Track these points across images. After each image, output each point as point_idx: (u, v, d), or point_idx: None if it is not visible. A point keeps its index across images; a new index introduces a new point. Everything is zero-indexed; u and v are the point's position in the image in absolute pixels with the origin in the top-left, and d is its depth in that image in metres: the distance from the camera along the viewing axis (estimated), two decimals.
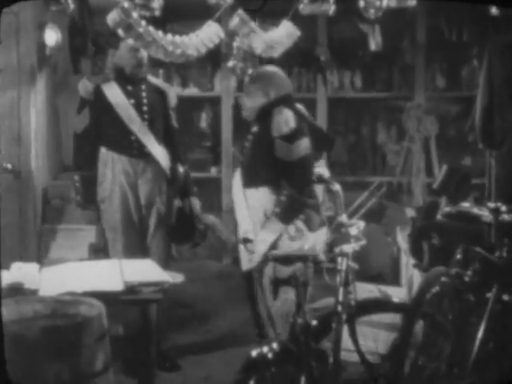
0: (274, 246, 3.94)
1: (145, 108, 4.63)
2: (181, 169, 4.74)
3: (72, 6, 4.73)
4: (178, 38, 4.32)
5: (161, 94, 4.76)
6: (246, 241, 4.00)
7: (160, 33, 4.26)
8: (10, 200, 5.17)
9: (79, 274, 3.68)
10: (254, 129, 4.15)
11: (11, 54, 5.10)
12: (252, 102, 4.14)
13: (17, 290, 3.44)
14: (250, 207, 4.03)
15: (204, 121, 6.97)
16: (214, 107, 6.88)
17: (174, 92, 4.92)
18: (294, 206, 3.96)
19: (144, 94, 4.65)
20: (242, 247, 4.06)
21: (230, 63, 5.15)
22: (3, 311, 3.02)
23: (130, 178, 4.60)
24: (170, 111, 4.78)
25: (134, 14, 4.08)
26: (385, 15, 4.96)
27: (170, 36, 4.30)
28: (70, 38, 5.98)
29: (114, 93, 4.60)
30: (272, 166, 3.97)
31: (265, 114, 4.05)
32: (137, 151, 4.60)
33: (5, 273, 3.58)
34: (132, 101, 4.60)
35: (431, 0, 6.17)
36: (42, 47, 5.38)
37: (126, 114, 4.57)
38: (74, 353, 2.85)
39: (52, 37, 5.42)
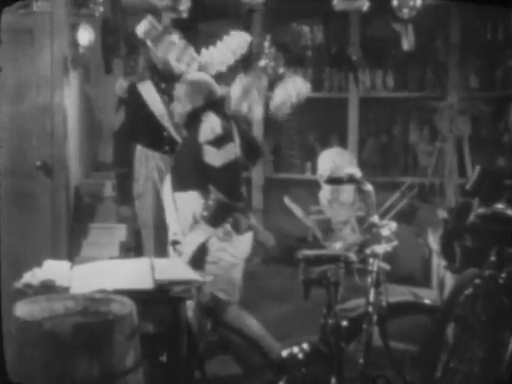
0: (202, 248, 4.01)
1: None
2: None
3: (101, 9, 4.80)
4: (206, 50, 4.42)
5: None
6: (175, 243, 4.05)
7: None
8: (43, 198, 5.21)
9: (110, 271, 3.69)
10: (184, 134, 4.19)
11: (45, 53, 5.14)
12: (181, 108, 4.19)
13: (48, 288, 3.46)
14: (180, 210, 4.07)
15: None
16: None
17: None
18: (222, 209, 4.00)
19: None
20: (170, 249, 4.10)
21: (262, 62, 5.14)
22: (35, 308, 3.05)
23: (163, 175, 4.62)
24: None
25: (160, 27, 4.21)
26: (418, 14, 4.91)
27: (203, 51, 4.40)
28: (103, 38, 6.01)
29: (147, 90, 4.65)
30: (200, 171, 4.03)
31: (193, 120, 4.10)
32: (168, 147, 4.62)
33: (37, 270, 3.61)
34: (165, 97, 4.64)
35: (455, 0, 6.09)
36: (75, 47, 5.41)
37: (158, 110, 4.62)
38: (104, 350, 2.86)
39: (85, 36, 5.45)
